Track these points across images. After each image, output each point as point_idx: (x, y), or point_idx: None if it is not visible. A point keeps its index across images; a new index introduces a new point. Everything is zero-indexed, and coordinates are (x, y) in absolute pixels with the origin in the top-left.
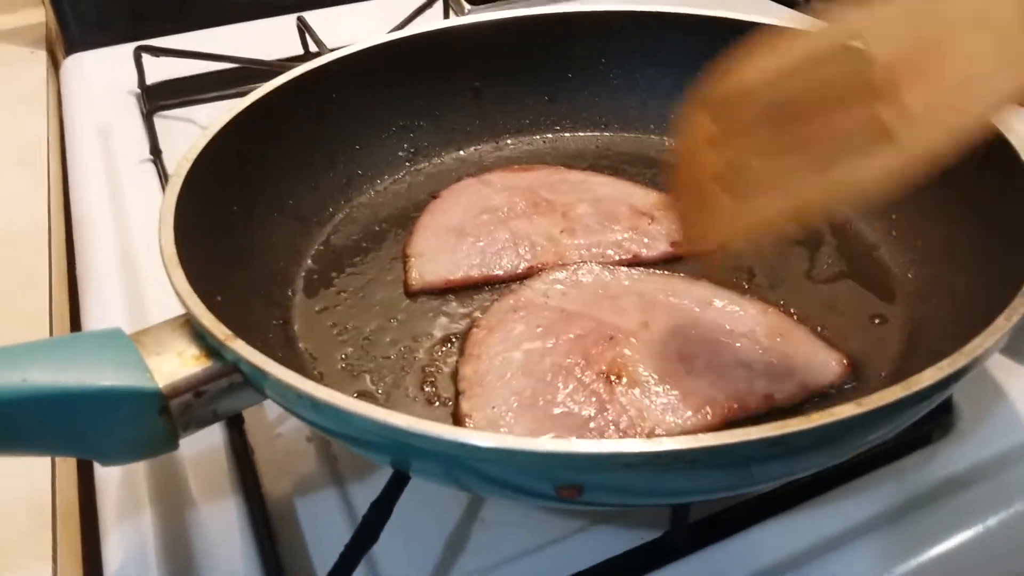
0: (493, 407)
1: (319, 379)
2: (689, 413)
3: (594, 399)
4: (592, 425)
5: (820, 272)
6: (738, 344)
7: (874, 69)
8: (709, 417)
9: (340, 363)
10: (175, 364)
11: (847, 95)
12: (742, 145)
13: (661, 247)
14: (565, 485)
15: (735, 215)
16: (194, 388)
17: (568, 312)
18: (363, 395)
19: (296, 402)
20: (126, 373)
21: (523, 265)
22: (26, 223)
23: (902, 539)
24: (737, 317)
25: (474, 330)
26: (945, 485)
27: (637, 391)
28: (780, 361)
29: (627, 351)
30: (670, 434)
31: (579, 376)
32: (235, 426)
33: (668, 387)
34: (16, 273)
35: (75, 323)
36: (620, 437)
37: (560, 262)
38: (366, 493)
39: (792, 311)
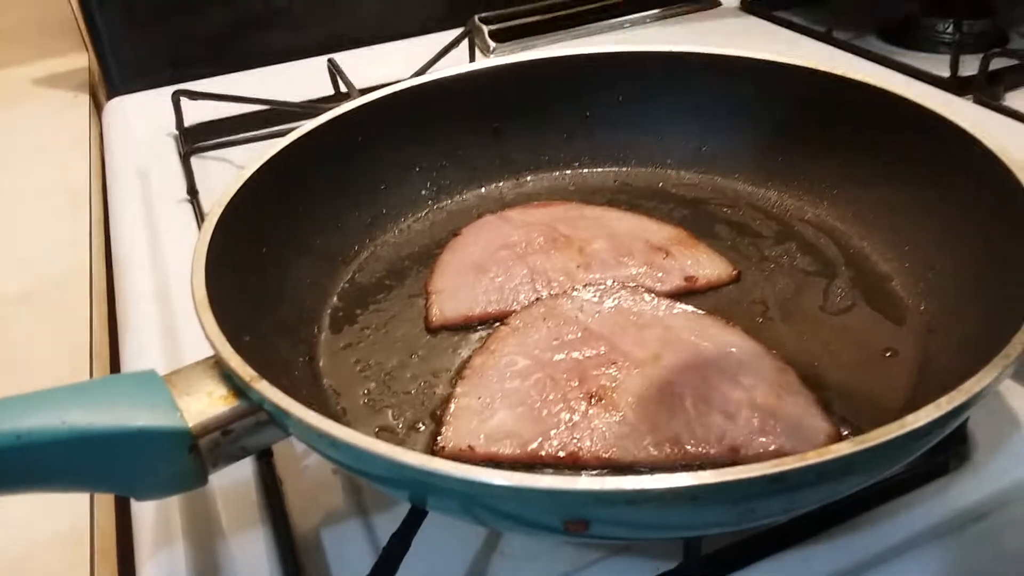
0: (479, 397)
1: (342, 414)
2: (647, 444)
3: (567, 415)
4: (553, 433)
5: (833, 304)
6: (733, 394)
7: None
8: (664, 454)
9: (362, 398)
10: (204, 404)
11: None
12: None
13: (675, 281)
14: (572, 520)
15: None
16: (222, 427)
17: (590, 332)
18: (383, 430)
19: (316, 440)
20: (158, 414)
21: (540, 299)
22: (69, 265)
23: (918, 570)
24: (749, 367)
25: (501, 327)
26: (962, 515)
27: (610, 415)
28: (763, 422)
29: (623, 377)
30: (620, 460)
31: (565, 391)
32: (264, 459)
33: (639, 417)
34: (60, 314)
35: (115, 359)
36: (574, 451)
37: None
38: (390, 524)
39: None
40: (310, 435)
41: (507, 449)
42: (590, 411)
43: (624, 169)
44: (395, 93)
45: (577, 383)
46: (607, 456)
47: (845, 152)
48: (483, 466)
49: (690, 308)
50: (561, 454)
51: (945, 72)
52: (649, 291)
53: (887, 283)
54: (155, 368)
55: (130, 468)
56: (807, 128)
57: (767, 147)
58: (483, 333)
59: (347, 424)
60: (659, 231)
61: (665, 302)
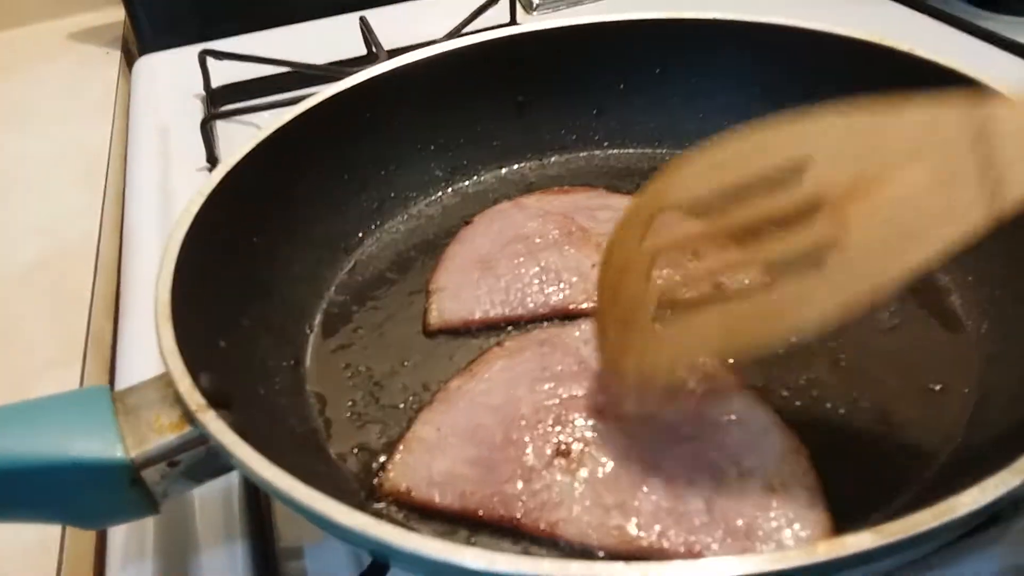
0: (438, 429)
1: (324, 427)
2: (601, 524)
3: (528, 465)
4: (502, 490)
5: (884, 320)
6: (724, 480)
7: (819, 190)
8: (617, 541)
9: (347, 411)
10: (151, 430)
11: (788, 215)
12: (677, 264)
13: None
14: None
15: (659, 343)
16: (168, 458)
17: (586, 368)
18: (363, 450)
19: (260, 484)
20: (96, 442)
21: (548, 305)
22: (79, 236)
23: None
24: (754, 448)
25: (495, 348)
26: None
27: (574, 477)
28: (749, 523)
29: (602, 432)
30: (564, 536)
31: (533, 434)
32: None
33: (605, 489)
34: (62, 292)
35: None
36: (515, 517)
37: (589, 301)
38: None
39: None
40: (253, 479)
41: (446, 500)
42: (552, 467)
43: (659, 151)
44: (408, 64)
45: (550, 426)
46: (551, 530)
47: None
48: (421, 512)
49: (708, 362)
50: (501, 514)
51: None
52: None
53: (945, 298)
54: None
55: (69, 499)
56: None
57: None
58: (483, 340)
59: (328, 439)
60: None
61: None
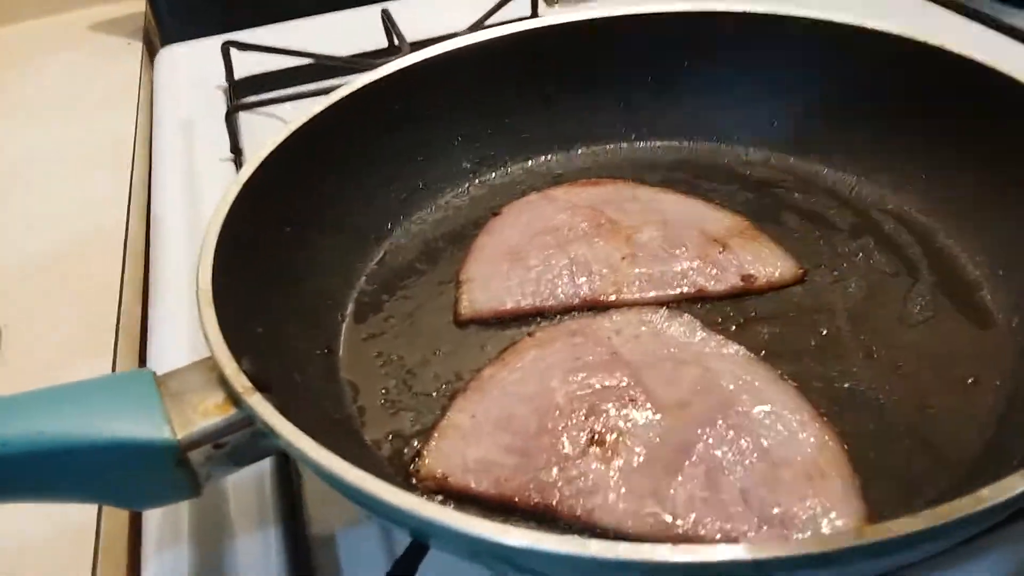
0: (473, 416)
1: (358, 415)
2: (636, 511)
3: (563, 452)
4: (537, 476)
5: (911, 315)
6: (759, 471)
7: None
8: (651, 528)
9: (380, 398)
10: (197, 413)
11: None
12: None
13: (731, 280)
14: None
15: None
16: (213, 440)
17: (619, 358)
18: (397, 436)
19: (308, 464)
20: (144, 424)
21: (578, 296)
22: (106, 224)
23: None
24: (789, 438)
25: (527, 338)
26: None
27: (609, 465)
28: (785, 511)
29: (637, 421)
30: (599, 523)
31: (568, 423)
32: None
33: (641, 477)
34: (89, 280)
35: (145, 332)
36: (551, 503)
37: (618, 294)
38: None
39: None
40: (302, 459)
41: (482, 486)
42: (587, 455)
43: (685, 143)
44: (438, 56)
45: (584, 416)
46: (587, 517)
47: (939, 133)
48: (457, 498)
49: (742, 351)
50: (537, 500)
51: None
52: (679, 298)
53: (976, 292)
54: (182, 340)
55: (115, 480)
56: (896, 104)
57: (848, 124)
58: (514, 331)
59: (362, 426)
60: (717, 219)
61: (715, 339)
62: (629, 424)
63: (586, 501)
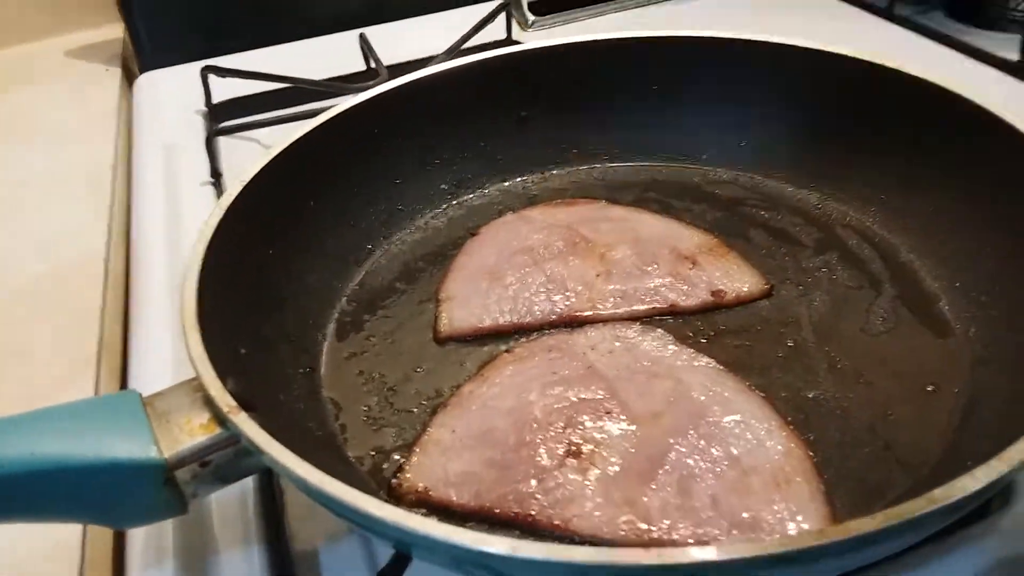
0: (453, 431)
1: (340, 432)
2: (613, 519)
3: (541, 464)
4: (516, 488)
5: (875, 326)
6: (729, 478)
7: None
8: (628, 533)
9: (362, 415)
10: (183, 432)
11: None
12: None
13: (701, 296)
14: None
15: None
16: (199, 459)
17: (594, 371)
18: (379, 452)
19: (293, 480)
20: (132, 444)
21: (555, 313)
22: (86, 250)
23: None
24: (758, 446)
25: (505, 354)
26: (1005, 565)
27: (585, 475)
28: (754, 516)
29: (612, 432)
30: (578, 532)
31: (546, 435)
32: (267, 471)
33: (616, 486)
34: (69, 306)
35: (126, 357)
36: (530, 513)
37: (593, 310)
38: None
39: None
40: (287, 475)
41: (463, 498)
42: (564, 466)
43: (656, 164)
44: (415, 81)
45: (562, 427)
46: (565, 525)
47: (899, 153)
48: (438, 511)
49: (712, 364)
50: (516, 511)
51: (1015, 55)
52: (652, 313)
53: (935, 304)
54: (163, 365)
55: (102, 499)
56: (857, 124)
57: (811, 144)
58: (492, 347)
59: (345, 442)
60: (687, 237)
61: (687, 352)
62: (604, 435)
63: (564, 510)
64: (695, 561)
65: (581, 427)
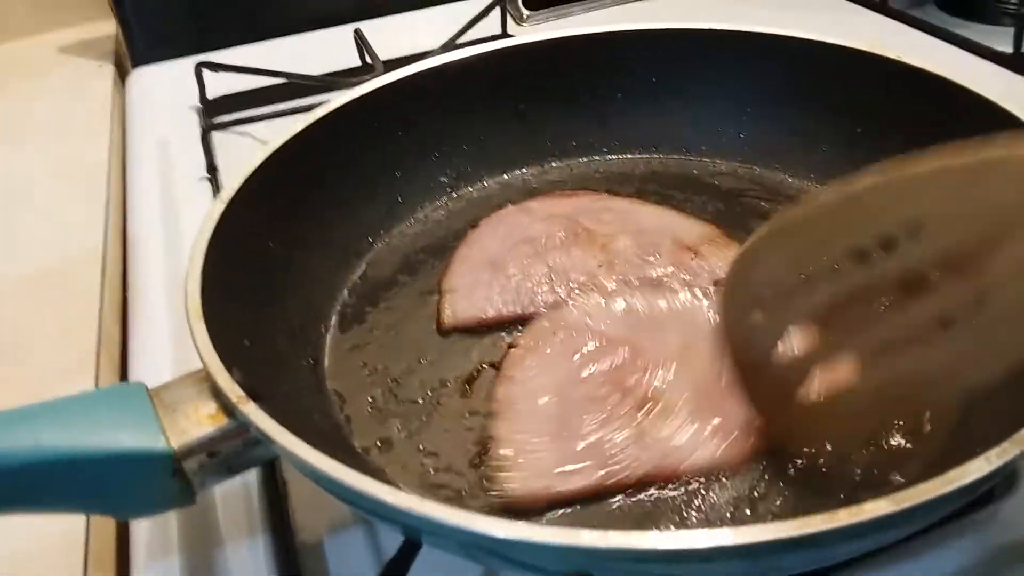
0: (521, 433)
1: (345, 423)
2: (724, 440)
3: (625, 432)
4: (619, 457)
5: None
6: None
7: (942, 251)
8: (747, 445)
9: (367, 406)
10: (190, 423)
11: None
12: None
13: (703, 285)
14: (572, 573)
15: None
16: (207, 449)
17: (608, 337)
18: (385, 443)
19: (304, 469)
20: (139, 435)
21: (558, 303)
22: (83, 247)
23: None
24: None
25: (512, 350)
26: (1009, 551)
27: (669, 421)
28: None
29: (664, 377)
30: (701, 469)
31: (611, 407)
32: (269, 462)
33: (702, 413)
34: (70, 300)
35: (125, 352)
36: (645, 475)
37: None
38: (395, 533)
39: None
40: (297, 464)
41: (578, 483)
42: (646, 421)
43: (656, 156)
44: (414, 74)
45: (619, 396)
46: (684, 469)
47: (898, 143)
48: (551, 506)
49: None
50: (628, 476)
51: (1008, 47)
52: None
53: None
54: (163, 359)
55: (110, 490)
56: (854, 115)
57: (811, 135)
58: (495, 337)
59: (351, 433)
60: (689, 228)
61: (670, 294)
62: (659, 383)
63: (676, 458)
64: (708, 547)
65: (635, 386)
